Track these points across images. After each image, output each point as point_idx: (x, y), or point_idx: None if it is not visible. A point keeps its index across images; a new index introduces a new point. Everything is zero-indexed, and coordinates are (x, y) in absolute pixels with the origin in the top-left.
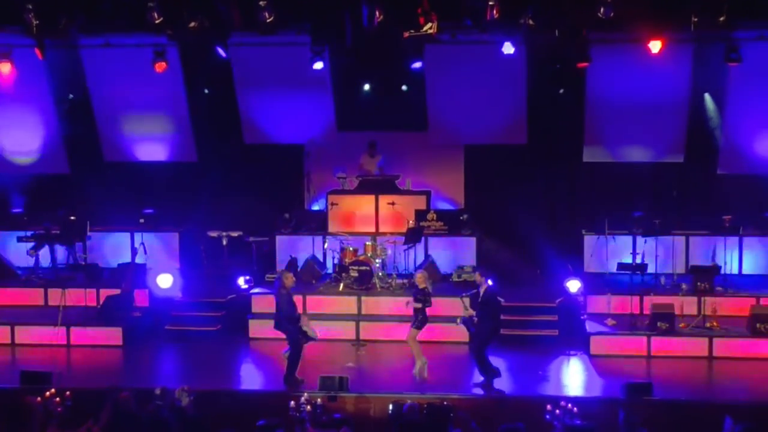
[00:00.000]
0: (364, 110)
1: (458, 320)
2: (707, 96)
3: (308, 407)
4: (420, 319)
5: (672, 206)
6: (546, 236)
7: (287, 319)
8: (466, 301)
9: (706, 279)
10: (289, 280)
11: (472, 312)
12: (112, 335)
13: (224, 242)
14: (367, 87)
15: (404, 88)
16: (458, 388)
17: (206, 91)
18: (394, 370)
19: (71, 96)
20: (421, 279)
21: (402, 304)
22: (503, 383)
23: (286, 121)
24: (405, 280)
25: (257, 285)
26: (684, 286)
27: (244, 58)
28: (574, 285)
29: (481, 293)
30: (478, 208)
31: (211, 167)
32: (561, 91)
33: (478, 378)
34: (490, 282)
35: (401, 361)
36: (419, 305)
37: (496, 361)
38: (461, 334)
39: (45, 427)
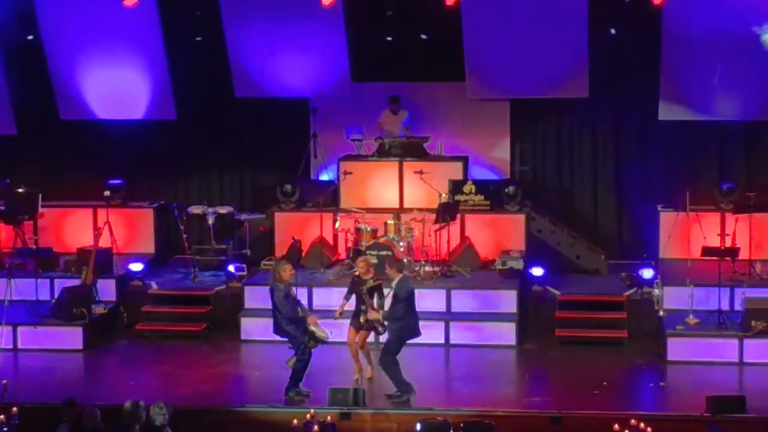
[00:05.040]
0: (386, 55)
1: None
2: None
3: (315, 427)
4: (362, 320)
5: None
6: (613, 213)
7: (288, 321)
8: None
9: None
10: (286, 272)
11: (378, 316)
12: (71, 336)
13: (210, 221)
14: (389, 27)
15: (423, 37)
16: (502, 402)
17: (199, 39)
18: (422, 380)
19: (30, 37)
20: (363, 266)
21: (431, 298)
22: (557, 397)
23: (287, 69)
24: (437, 268)
25: (251, 274)
26: None
27: None
28: (647, 274)
29: (394, 287)
30: (527, 177)
31: (193, 127)
32: (612, 31)
33: (520, 389)
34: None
35: (431, 369)
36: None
37: (553, 369)
38: (504, 335)
39: None
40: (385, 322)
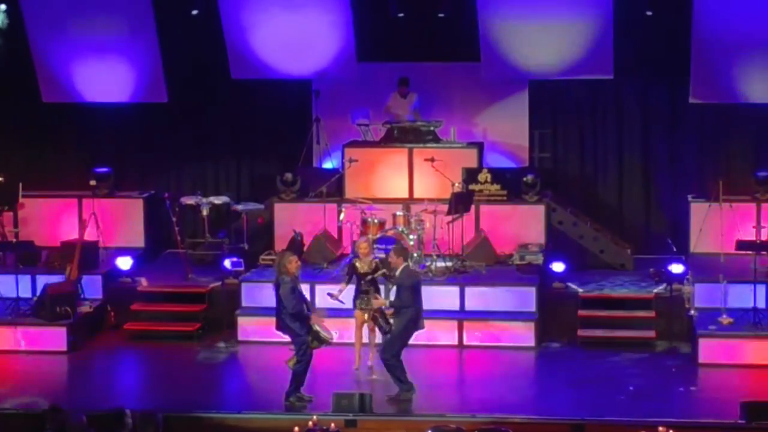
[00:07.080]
0: (395, 33)
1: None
2: None
3: None
4: (367, 317)
5: None
6: (640, 204)
7: (292, 317)
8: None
9: None
10: (293, 264)
11: (383, 302)
12: (54, 337)
13: (205, 212)
14: (398, 2)
15: (441, 15)
16: (520, 408)
17: (195, 12)
18: (434, 384)
19: (5, 8)
20: (365, 247)
21: (443, 296)
22: (580, 404)
23: (287, 48)
24: (450, 263)
25: (249, 270)
26: None
27: None
28: (677, 270)
29: (398, 275)
30: (547, 165)
31: (186, 111)
32: (649, 13)
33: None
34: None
35: (443, 372)
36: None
37: (575, 371)
38: (522, 336)
39: None
40: (391, 314)
